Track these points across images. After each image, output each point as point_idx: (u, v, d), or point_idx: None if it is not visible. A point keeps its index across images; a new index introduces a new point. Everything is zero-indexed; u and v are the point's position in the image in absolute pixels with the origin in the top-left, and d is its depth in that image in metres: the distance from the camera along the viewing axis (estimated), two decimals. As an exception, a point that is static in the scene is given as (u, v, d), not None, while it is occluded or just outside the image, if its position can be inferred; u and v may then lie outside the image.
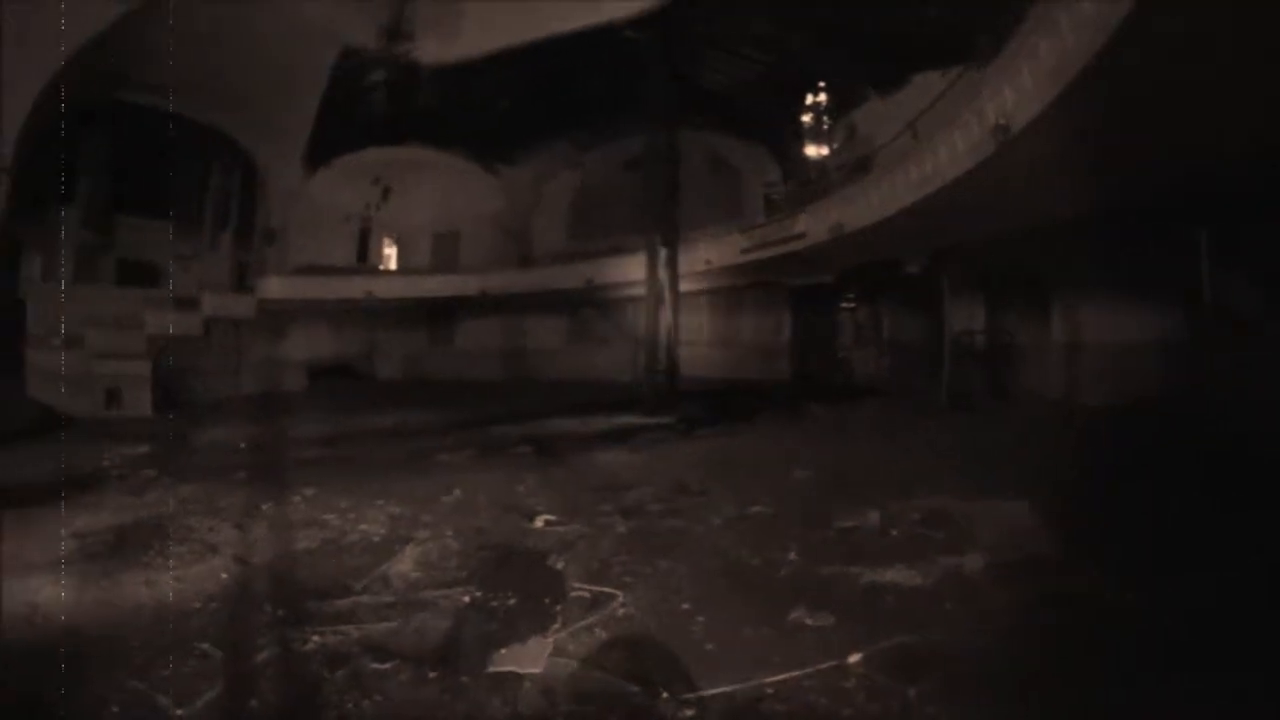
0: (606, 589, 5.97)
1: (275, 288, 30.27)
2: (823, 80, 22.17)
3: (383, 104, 25.50)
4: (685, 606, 5.57)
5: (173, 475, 12.22)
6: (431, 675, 4.58)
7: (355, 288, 31.43)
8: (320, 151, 29.82)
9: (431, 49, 22.96)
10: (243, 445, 15.95)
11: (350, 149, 30.43)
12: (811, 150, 22.84)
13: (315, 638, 5.20)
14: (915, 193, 14.41)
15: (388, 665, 4.71)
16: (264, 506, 9.58)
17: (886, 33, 18.77)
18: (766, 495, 9.03)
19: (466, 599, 5.90)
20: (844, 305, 24.66)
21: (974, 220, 15.20)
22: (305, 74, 25.88)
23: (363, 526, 8.38)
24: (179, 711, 4.27)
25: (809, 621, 5.20)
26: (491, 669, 4.62)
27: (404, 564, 6.90)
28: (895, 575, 6.07)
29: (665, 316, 21.06)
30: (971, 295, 18.92)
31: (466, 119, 28.57)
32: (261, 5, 22.09)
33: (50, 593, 6.49)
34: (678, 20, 21.04)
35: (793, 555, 6.72)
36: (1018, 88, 10.32)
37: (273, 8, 22.32)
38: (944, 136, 13.40)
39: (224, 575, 6.84)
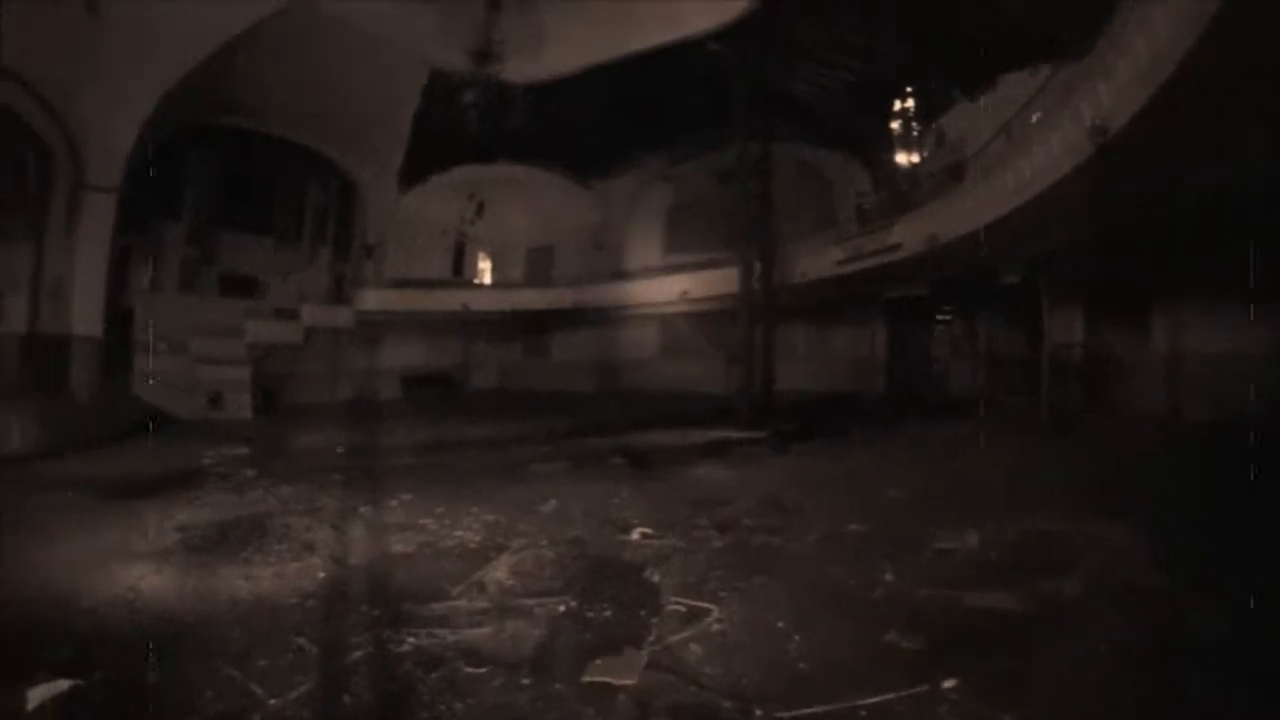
0: (701, 603, 5.83)
1: (373, 300, 31.20)
2: (909, 85, 21.61)
3: (475, 123, 26.01)
4: (780, 624, 5.38)
5: (272, 476, 12.49)
6: (525, 682, 4.51)
7: (451, 300, 32.06)
8: (415, 169, 30.67)
9: (519, 69, 23.21)
10: (340, 449, 16.20)
11: (444, 167, 31.16)
12: (902, 158, 22.36)
13: (410, 639, 5.18)
14: (1012, 200, 13.87)
15: (482, 670, 4.66)
16: (361, 509, 9.65)
17: (971, 33, 18.05)
18: (862, 513, 8.75)
19: (562, 608, 5.81)
20: (939, 318, 23.85)
21: (1073, 227, 14.55)
22: (398, 97, 26.81)
23: (459, 533, 8.36)
24: (272, 701, 4.30)
25: (903, 644, 4.98)
26: (585, 679, 4.52)
27: (500, 571, 6.84)
28: (992, 599, 5.79)
29: (759, 329, 20.76)
30: (1070, 306, 18.21)
31: (558, 135, 28.79)
32: (354, 33, 22.86)
33: (151, 581, 6.65)
34: (761, 31, 20.80)
35: (888, 576, 6.46)
36: (1113, 86, 9.81)
37: (364, 35, 23.10)
38: (1039, 140, 12.90)
39: (321, 574, 6.89)
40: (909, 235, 18.96)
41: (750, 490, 10.52)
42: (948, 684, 4.32)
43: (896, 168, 22.66)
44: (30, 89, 19.56)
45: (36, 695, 4.31)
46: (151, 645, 5.06)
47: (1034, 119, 14.71)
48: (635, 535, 8.07)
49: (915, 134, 22.13)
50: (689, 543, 7.72)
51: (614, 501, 9.88)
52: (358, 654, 4.98)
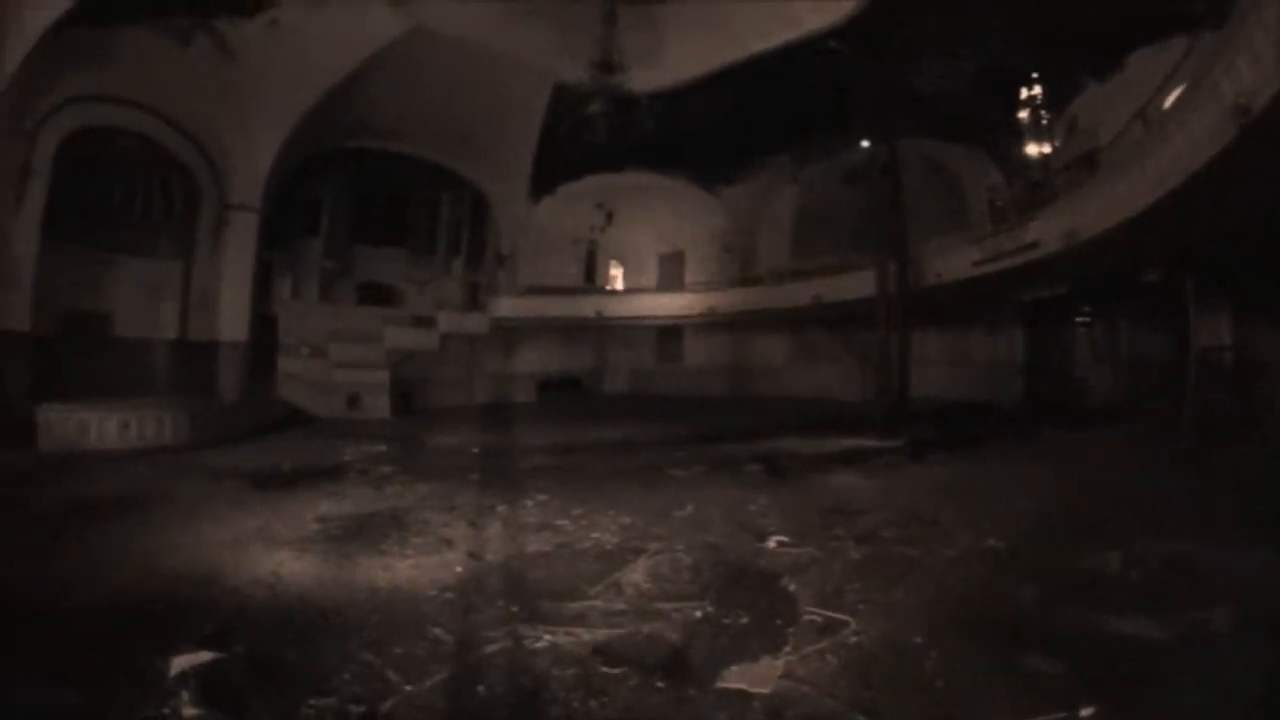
0: (838, 615, 5.67)
1: (507, 307, 32.12)
2: (1035, 71, 20.31)
3: (601, 133, 26.31)
4: (917, 640, 5.15)
5: (409, 473, 12.82)
6: (660, 685, 4.46)
7: (583, 307, 32.64)
8: (544, 180, 31.41)
9: (641, 78, 23.30)
10: (475, 450, 16.46)
11: (573, 177, 31.71)
12: (1032, 149, 20.99)
13: (547, 636, 5.19)
14: (1153, 190, 12.62)
15: (617, 670, 4.62)
16: (497, 508, 9.76)
17: (1094, 10, 16.90)
18: (1001, 527, 8.30)
19: (698, 613, 5.71)
20: (1078, 320, 22.31)
21: (1219, 218, 13.12)
22: (524, 111, 27.52)
23: (595, 534, 8.34)
24: (408, 688, 4.37)
25: (1042, 667, 4.67)
26: (720, 685, 4.46)
27: (636, 574, 6.79)
28: (1134, 625, 5.37)
29: (894, 334, 20.17)
30: (1218, 305, 16.56)
31: (683, 142, 28.77)
32: (476, 52, 23.64)
33: (292, 567, 6.93)
34: (878, 25, 20.16)
35: (1027, 594, 6.12)
36: (1254, 60, 8.78)
37: (489, 53, 23.86)
38: (1177, 123, 11.74)
39: (458, 568, 6.97)
40: (1046, 232, 17.77)
41: (887, 500, 10.18)
42: (1086, 712, 4.11)
43: (1028, 160, 21.35)
44: (173, 123, 21.91)
45: (179, 664, 4.50)
46: (291, 626, 5.28)
47: (1169, 100, 13.66)
48: (772, 543, 7.87)
49: (1045, 123, 20.77)
50: (826, 552, 7.50)
51: (750, 508, 9.67)
52: (493, 647, 5.00)
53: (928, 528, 8.57)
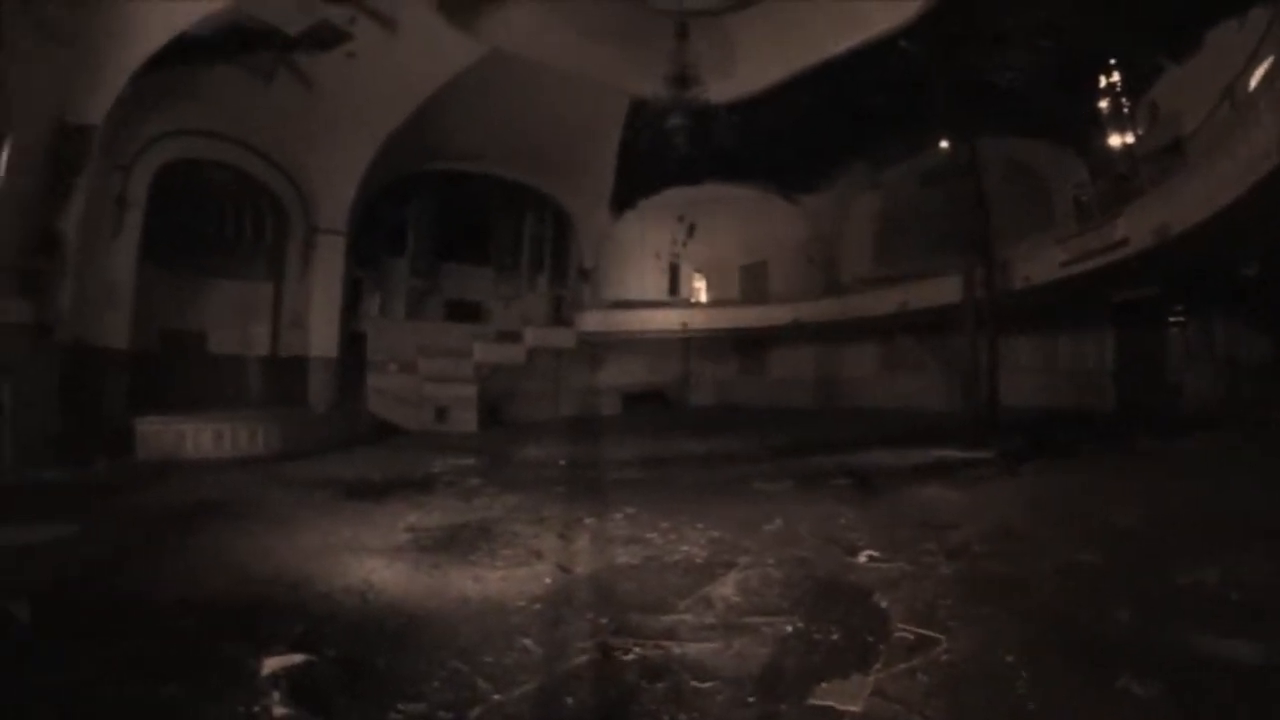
0: (930, 632, 5.54)
1: (593, 322, 32.39)
2: (1111, 57, 19.45)
3: (680, 147, 26.41)
4: (1009, 659, 5.00)
5: (497, 485, 12.98)
6: (750, 700, 4.43)
7: (668, 320, 32.57)
8: (625, 195, 31.85)
9: (717, 89, 23.20)
10: (563, 462, 16.62)
11: (653, 191, 32.03)
12: (1115, 140, 20.11)
13: (636, 649, 5.20)
14: (1245, 177, 11.90)
15: (707, 684, 4.61)
16: (585, 520, 9.81)
17: None
18: (1095, 542, 7.98)
19: (789, 628, 5.66)
20: (1170, 320, 21.10)
21: None
22: (602, 128, 27.96)
23: (684, 548, 8.31)
24: (496, 696, 4.43)
25: (1136, 689, 4.50)
26: (811, 701, 4.40)
27: (726, 588, 6.75)
28: (1233, 647, 5.09)
29: (982, 342, 19.66)
30: None
31: (761, 151, 28.67)
32: (552, 72, 24.01)
33: (383, 575, 7.08)
34: (948, 20, 19.72)
35: (1122, 612, 5.87)
36: None
37: (564, 73, 24.24)
38: (1266, 103, 11.11)
39: (547, 580, 7.04)
40: (1135, 228, 16.91)
41: (978, 514, 9.91)
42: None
43: (1111, 152, 20.47)
44: (260, 153, 23.29)
45: (271, 665, 4.67)
46: (381, 632, 5.41)
47: (1255, 79, 12.99)
48: (862, 558, 7.76)
49: (1126, 111, 19.88)
50: (917, 568, 7.34)
51: (839, 522, 9.53)
52: (582, 659, 5.03)
53: (1020, 542, 8.35)
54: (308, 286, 24.61)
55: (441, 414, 25.67)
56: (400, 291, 29.60)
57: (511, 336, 30.38)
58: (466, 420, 25.79)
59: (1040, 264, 20.97)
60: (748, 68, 24.41)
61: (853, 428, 22.14)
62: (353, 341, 26.33)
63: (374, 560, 7.55)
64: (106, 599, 6.29)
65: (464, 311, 31.24)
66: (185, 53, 18.38)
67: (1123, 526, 8.80)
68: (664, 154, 28.00)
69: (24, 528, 8.68)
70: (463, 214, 30.78)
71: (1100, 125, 20.34)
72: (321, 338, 24.61)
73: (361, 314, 27.86)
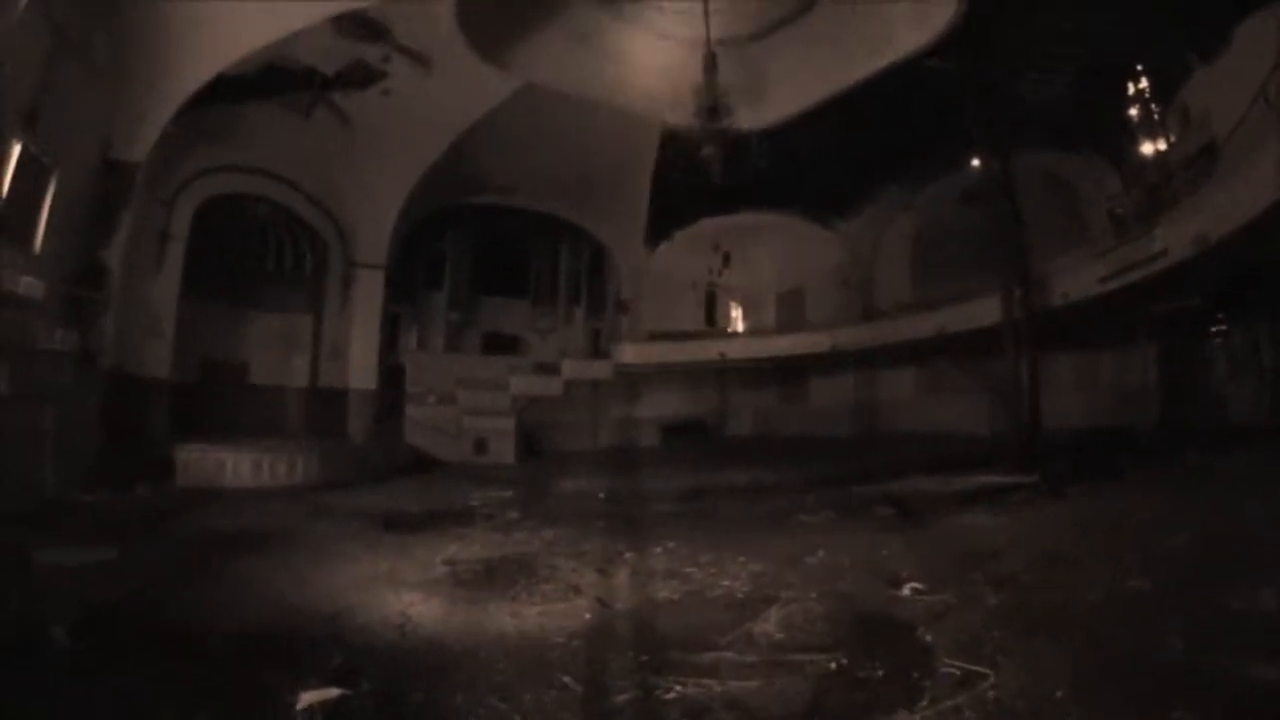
0: (976, 667, 5.35)
1: (630, 353, 32.43)
2: (1139, 62, 19.22)
3: (714, 177, 26.56)
4: (1058, 694, 4.83)
5: (536, 518, 12.94)
6: None
7: (706, 350, 32.50)
8: (660, 226, 32.09)
9: (748, 117, 23.25)
10: (601, 495, 16.62)
11: (688, 221, 32.22)
12: (1147, 147, 19.82)
13: (677, 687, 5.10)
14: None
15: None
16: (625, 554, 9.73)
17: None
18: (1145, 566, 7.69)
19: (833, 665, 5.52)
20: (1213, 331, 20.50)
21: None
22: (636, 160, 28.34)
23: (725, 582, 8.17)
24: None
25: None
26: None
27: (768, 623, 6.61)
28: None
29: (1023, 362, 19.35)
30: None
31: (795, 178, 28.75)
32: (584, 106, 24.54)
33: (420, 609, 7.05)
34: (976, 35, 19.68)
35: (1174, 640, 5.65)
36: None
37: (597, 106, 24.75)
38: None
39: (587, 615, 6.97)
40: (1174, 238, 16.53)
41: (1024, 541, 9.64)
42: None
43: (1144, 161, 20.16)
44: (299, 189, 23.97)
45: (308, 698, 4.67)
46: (419, 667, 5.37)
47: None
48: (906, 590, 7.58)
49: (1157, 117, 19.54)
50: (962, 599, 7.14)
51: (882, 553, 9.35)
52: (623, 697, 4.95)
53: (1068, 569, 8.09)
54: (347, 319, 25.22)
55: (480, 446, 25.93)
56: (438, 324, 30.21)
57: (549, 369, 30.65)
58: (504, 452, 26.00)
59: (1078, 280, 20.65)
60: (777, 94, 24.57)
61: (894, 454, 21.80)
62: (391, 374, 26.79)
63: (411, 593, 7.53)
64: (144, 624, 6.36)
65: (501, 344, 31.78)
66: (226, 91, 19.06)
67: (1173, 549, 8.53)
68: (698, 185, 28.10)
69: (65, 550, 8.78)
70: (499, 247, 31.49)
71: (1131, 133, 20.16)
72: (360, 370, 25.14)
73: (400, 347, 28.47)
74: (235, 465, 16.66)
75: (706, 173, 24.65)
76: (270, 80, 20.15)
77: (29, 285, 13.71)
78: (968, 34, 19.61)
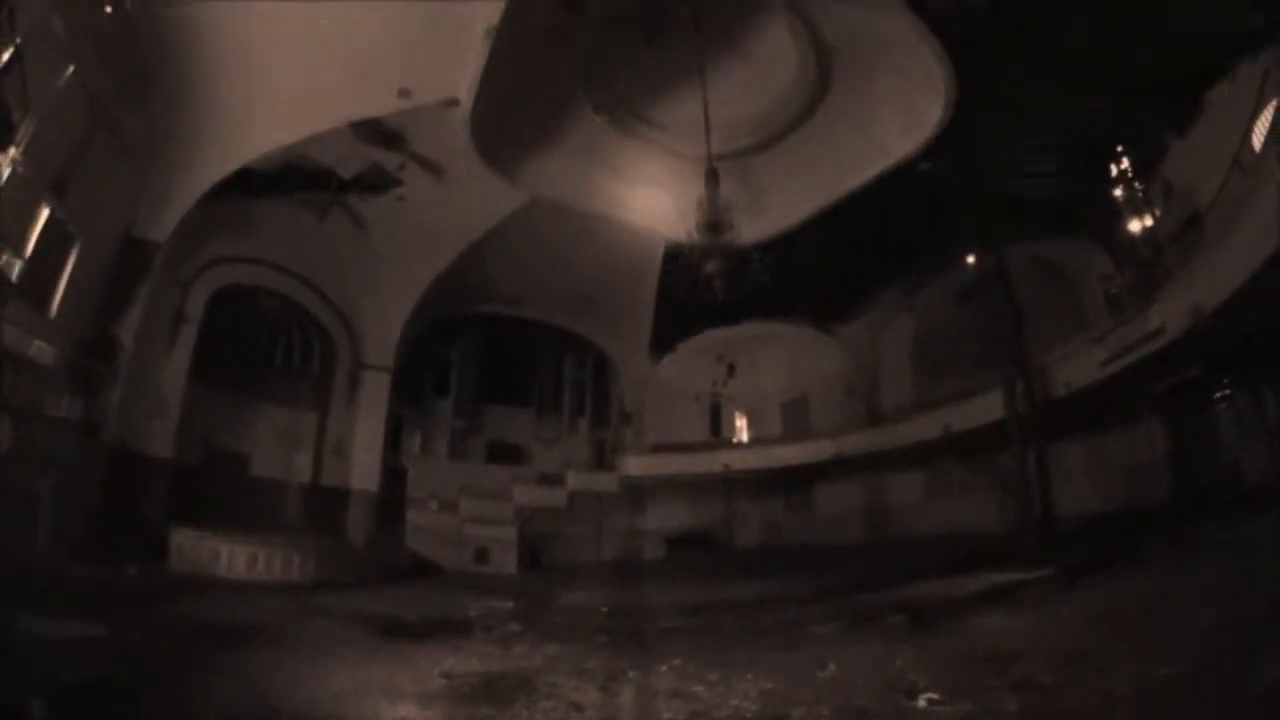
0: None
1: (634, 465, 32.50)
2: (1118, 143, 19.68)
3: (716, 290, 27.04)
4: None
5: (537, 632, 12.63)
6: None
7: (711, 462, 32.46)
8: (664, 337, 32.53)
9: (748, 229, 23.76)
10: (605, 609, 16.32)
11: (692, 332, 32.66)
12: (1135, 225, 20.16)
13: None
14: (1269, 241, 11.82)
15: None
16: (629, 672, 9.44)
17: (1153, 60, 16.32)
18: (1173, 652, 7.43)
19: None
20: (1218, 397, 20.24)
21: None
22: (640, 273, 29.00)
23: (733, 701, 7.87)
24: None
25: None
26: None
27: None
28: None
29: (1029, 455, 19.40)
30: None
31: (795, 286, 29.15)
32: (590, 220, 25.38)
33: None
34: (965, 135, 20.29)
35: None
36: None
37: (602, 220, 25.59)
38: (1274, 163, 11.20)
39: None
40: (1169, 313, 16.79)
41: (1043, 639, 9.38)
42: None
43: (1133, 238, 20.50)
44: (311, 286, 24.53)
45: None
46: None
47: (1258, 136, 13.07)
48: (922, 701, 7.28)
49: (1141, 194, 19.91)
50: (980, 707, 6.88)
51: (896, 663, 9.01)
52: None
53: (1091, 666, 7.75)
54: (352, 419, 25.40)
55: (481, 555, 25.88)
56: (443, 430, 30.22)
57: (553, 479, 30.67)
58: (506, 562, 25.90)
59: (1079, 367, 20.78)
60: (777, 205, 25.33)
61: (904, 559, 21.41)
62: (394, 477, 26.70)
63: (407, 705, 7.24)
64: (128, 708, 6.16)
65: (505, 453, 31.68)
66: (248, 184, 19.90)
67: (1201, 631, 8.19)
68: (701, 297, 28.57)
69: (53, 621, 8.55)
70: (505, 356, 31.84)
71: (1118, 213, 20.52)
72: (363, 470, 25.11)
73: (403, 451, 28.40)
74: (231, 555, 16.50)
75: (709, 287, 25.21)
76: (290, 178, 20.93)
77: (40, 349, 14.05)
78: (956, 133, 20.26)
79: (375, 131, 20.67)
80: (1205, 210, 16.68)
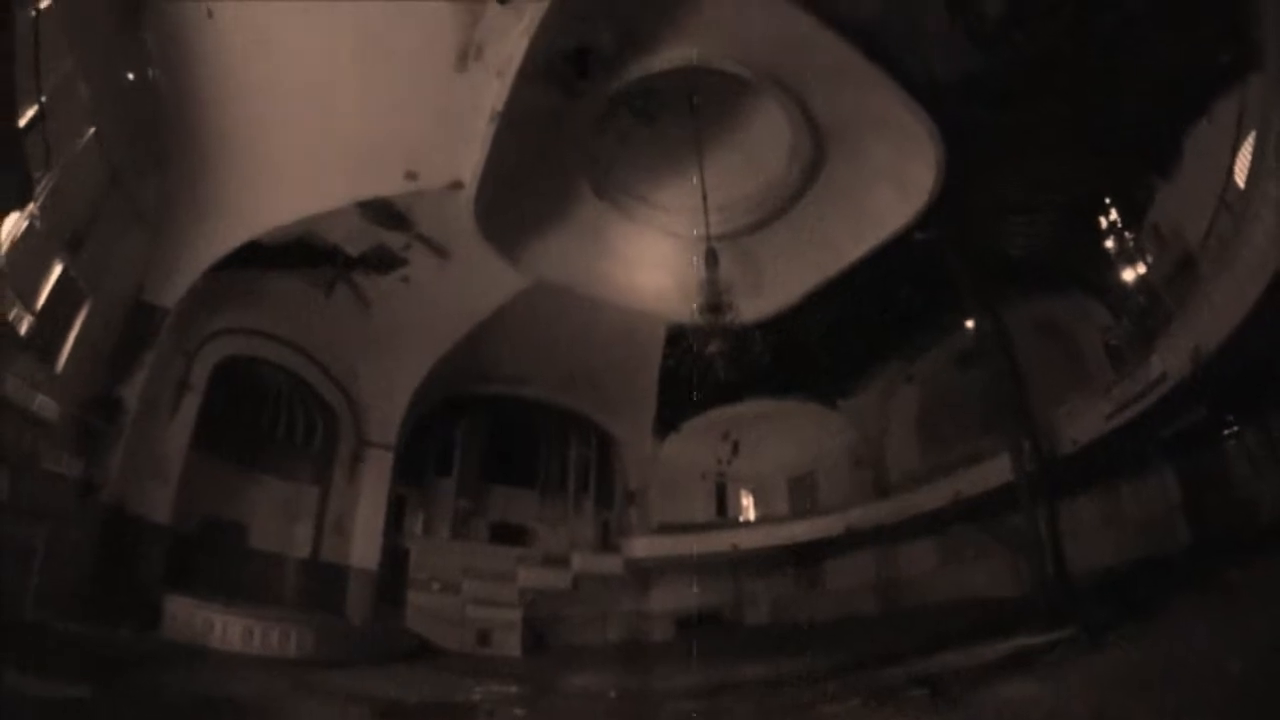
0: None
1: (640, 547, 32.07)
2: (1106, 196, 20.04)
3: (719, 373, 27.26)
4: None
5: (543, 717, 12.22)
6: None
7: (718, 541, 31.88)
8: (668, 417, 32.60)
9: (750, 308, 24.13)
10: (613, 694, 15.91)
11: (696, 412, 32.56)
12: (1129, 274, 20.40)
13: None
14: (1260, 278, 11.94)
15: None
16: None
17: (1133, 109, 16.84)
18: (1201, 708, 7.30)
19: None
20: (1226, 434, 19.91)
21: None
22: (643, 353, 29.42)
23: None
24: None
25: None
26: None
27: None
28: None
29: (1041, 514, 19.16)
30: None
31: (797, 362, 29.41)
32: (593, 302, 25.83)
33: None
34: (957, 203, 20.70)
35: None
36: None
37: (605, 301, 26.00)
38: (1260, 197, 11.32)
39: None
40: (1170, 358, 16.77)
41: (1068, 704, 9.20)
42: None
43: (1129, 287, 20.68)
44: (316, 361, 24.72)
45: None
46: None
47: (1241, 171, 13.29)
48: None
49: (1132, 241, 20.16)
50: None
51: None
52: None
53: None
54: (354, 496, 25.18)
55: (484, 637, 25.37)
56: (445, 510, 29.86)
57: (557, 561, 30.17)
58: (510, 644, 25.39)
59: (1085, 422, 20.67)
60: (776, 283, 25.71)
61: (920, 629, 20.82)
62: (395, 557, 26.32)
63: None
64: None
65: (509, 534, 31.26)
66: (256, 257, 20.34)
67: (1228, 681, 7.95)
68: (704, 377, 28.75)
69: (40, 679, 8.36)
70: (509, 437, 31.83)
71: (1112, 264, 20.73)
72: (363, 548, 24.76)
73: (405, 530, 28.06)
74: (225, 627, 16.25)
75: (711, 367, 25.43)
76: (297, 253, 21.37)
77: (43, 404, 14.12)
78: (946, 202, 20.69)
79: (382, 212, 21.18)
80: (1197, 250, 16.89)
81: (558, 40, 17.23)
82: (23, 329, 13.65)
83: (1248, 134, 13.16)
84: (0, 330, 12.91)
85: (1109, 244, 20.59)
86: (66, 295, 15.13)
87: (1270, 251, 11.54)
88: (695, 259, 21.65)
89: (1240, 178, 13.70)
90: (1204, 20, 13.39)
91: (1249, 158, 13.20)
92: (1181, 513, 21.17)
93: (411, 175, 20.15)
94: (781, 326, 27.09)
